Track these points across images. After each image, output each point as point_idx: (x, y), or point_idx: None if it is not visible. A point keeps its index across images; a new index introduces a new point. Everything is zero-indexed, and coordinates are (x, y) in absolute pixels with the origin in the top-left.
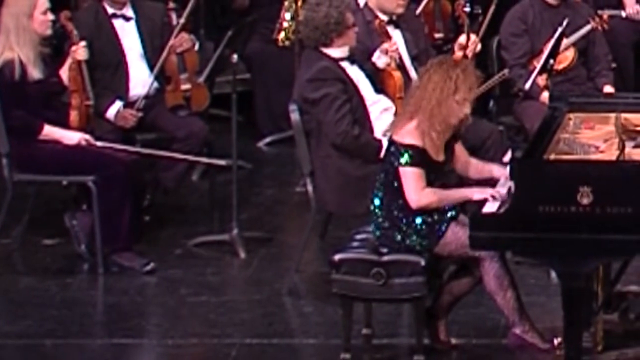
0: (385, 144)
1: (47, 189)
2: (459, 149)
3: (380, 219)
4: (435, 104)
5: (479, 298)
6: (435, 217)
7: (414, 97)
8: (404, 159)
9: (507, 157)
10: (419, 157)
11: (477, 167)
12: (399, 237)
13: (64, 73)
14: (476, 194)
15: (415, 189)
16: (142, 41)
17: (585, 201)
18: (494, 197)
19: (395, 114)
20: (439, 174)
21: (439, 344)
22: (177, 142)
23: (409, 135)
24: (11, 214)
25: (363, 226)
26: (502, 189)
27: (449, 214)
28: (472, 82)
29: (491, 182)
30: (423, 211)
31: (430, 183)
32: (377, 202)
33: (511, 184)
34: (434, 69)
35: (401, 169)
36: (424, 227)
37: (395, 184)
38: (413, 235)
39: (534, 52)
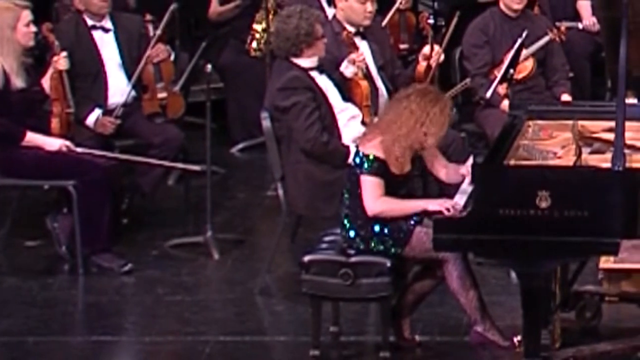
0: (353, 150)
1: (29, 193)
2: (439, 161)
3: (347, 225)
4: (405, 131)
5: (443, 297)
6: (397, 223)
7: (387, 116)
8: (365, 167)
9: (469, 163)
10: (380, 168)
11: (455, 170)
12: (362, 244)
13: (46, 82)
14: (431, 205)
15: (372, 197)
16: (121, 52)
17: (543, 205)
18: (448, 210)
19: (363, 121)
20: (401, 185)
21: (404, 341)
22: (154, 148)
23: (373, 147)
24: None
25: (331, 228)
26: (461, 197)
27: (413, 219)
28: (445, 122)
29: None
30: (380, 218)
31: (393, 193)
32: (343, 209)
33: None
34: (415, 97)
35: (362, 177)
36: (384, 232)
37: (358, 191)
38: (371, 240)
39: (494, 62)
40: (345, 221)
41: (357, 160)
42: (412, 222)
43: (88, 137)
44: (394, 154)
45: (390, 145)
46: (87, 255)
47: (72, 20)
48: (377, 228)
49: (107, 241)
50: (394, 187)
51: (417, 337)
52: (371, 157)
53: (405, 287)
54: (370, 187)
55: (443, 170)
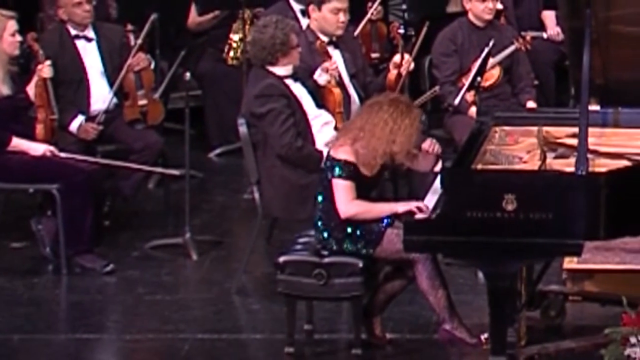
0: (324, 154)
1: (14, 197)
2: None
3: (321, 228)
4: (376, 139)
5: (413, 296)
6: (369, 225)
7: (359, 122)
8: (337, 171)
9: (438, 167)
10: (351, 171)
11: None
12: (339, 244)
13: (31, 89)
14: (400, 207)
15: (344, 200)
16: (103, 60)
17: (509, 207)
18: (419, 209)
19: (336, 127)
20: (372, 186)
21: (375, 339)
22: (135, 153)
23: (344, 152)
24: None
25: (306, 230)
26: (432, 198)
27: (384, 221)
28: (414, 134)
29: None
30: (352, 220)
31: (365, 195)
32: (317, 212)
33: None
34: (387, 107)
35: (334, 181)
36: (356, 233)
37: (331, 194)
38: (344, 241)
39: (462, 71)
40: (319, 223)
41: (329, 164)
42: (383, 224)
43: (71, 142)
44: (364, 159)
45: (361, 151)
46: (70, 256)
47: (56, 30)
48: (349, 229)
49: (90, 242)
50: (366, 189)
51: (388, 335)
52: (342, 161)
53: (376, 287)
54: (342, 191)
55: (421, 163)
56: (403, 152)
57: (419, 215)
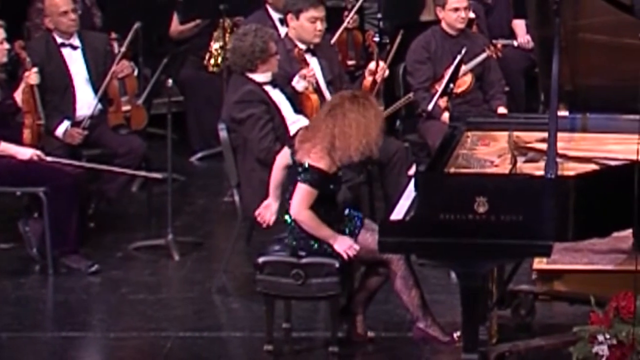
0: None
1: (2, 199)
2: None
3: (296, 230)
4: (354, 140)
5: (388, 295)
6: (346, 226)
7: (326, 131)
8: (303, 176)
9: (411, 171)
10: (316, 178)
11: None
12: (315, 245)
13: (18, 96)
14: (337, 245)
15: (300, 204)
16: (88, 67)
17: (481, 210)
18: (347, 255)
19: None
20: (337, 183)
21: (357, 337)
22: (119, 157)
23: (318, 159)
24: None
25: (284, 232)
26: (405, 202)
27: (358, 223)
28: (382, 120)
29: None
30: (334, 222)
31: (332, 193)
32: (290, 216)
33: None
34: (350, 106)
35: (299, 184)
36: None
37: None
38: (317, 241)
39: (435, 77)
40: (293, 224)
41: (301, 168)
42: (357, 224)
43: (57, 146)
44: (342, 161)
45: (339, 155)
46: (56, 257)
47: (42, 38)
48: None
49: (75, 244)
50: (335, 185)
51: (370, 333)
52: (307, 165)
53: (358, 287)
54: (302, 195)
55: None
56: (379, 141)
57: (394, 216)
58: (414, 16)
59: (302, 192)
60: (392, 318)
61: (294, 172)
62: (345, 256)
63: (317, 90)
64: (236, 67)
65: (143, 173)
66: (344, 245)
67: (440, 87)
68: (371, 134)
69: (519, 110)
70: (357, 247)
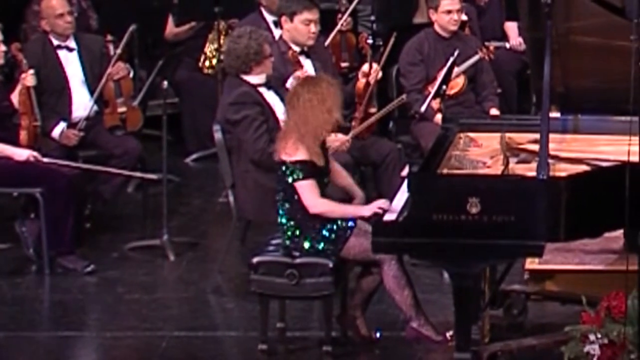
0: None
1: None
2: (333, 163)
3: (289, 231)
4: (316, 119)
5: (380, 295)
6: (341, 225)
7: (291, 123)
8: (296, 174)
9: (405, 172)
10: (308, 169)
11: (340, 173)
12: (308, 245)
13: (15, 97)
14: (365, 211)
15: (312, 198)
16: (84, 69)
17: (474, 210)
18: (382, 209)
19: None
20: (327, 176)
21: (361, 338)
22: (114, 158)
23: (296, 153)
24: None
25: (278, 232)
26: (399, 200)
27: (350, 223)
28: (338, 91)
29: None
30: (328, 221)
31: (323, 186)
32: (283, 217)
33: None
34: (301, 89)
35: (296, 184)
36: (331, 235)
37: (296, 197)
38: (321, 242)
39: (428, 79)
40: (286, 225)
41: (285, 169)
42: (350, 225)
43: (54, 148)
44: (308, 145)
45: (306, 142)
46: (52, 257)
47: (39, 40)
48: (317, 229)
49: (71, 244)
50: (326, 178)
51: (376, 334)
52: (297, 162)
53: (354, 289)
54: (308, 190)
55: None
56: (341, 112)
57: (387, 217)
58: (407, 18)
59: (303, 189)
60: (385, 318)
61: (281, 174)
62: (381, 213)
63: None
64: (231, 69)
65: (139, 174)
66: (373, 208)
67: (433, 89)
68: (328, 103)
69: (511, 112)
70: (386, 201)
